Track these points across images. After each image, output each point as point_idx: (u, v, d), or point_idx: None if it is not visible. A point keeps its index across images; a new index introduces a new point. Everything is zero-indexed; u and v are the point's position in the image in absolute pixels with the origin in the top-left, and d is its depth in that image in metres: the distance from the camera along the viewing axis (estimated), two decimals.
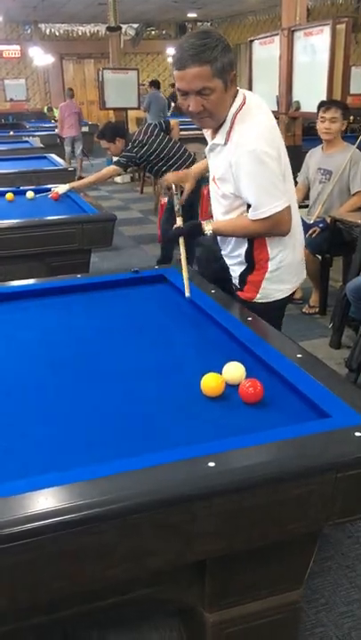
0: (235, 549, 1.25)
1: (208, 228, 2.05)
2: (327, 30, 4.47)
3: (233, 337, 1.81)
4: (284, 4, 4.90)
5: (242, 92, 1.91)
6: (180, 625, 1.72)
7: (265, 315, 1.96)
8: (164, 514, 1.12)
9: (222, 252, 2.25)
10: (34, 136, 10.17)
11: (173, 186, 2.29)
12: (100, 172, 4.83)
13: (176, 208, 2.22)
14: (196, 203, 4.74)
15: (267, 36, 5.51)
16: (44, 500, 1.09)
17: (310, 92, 4.80)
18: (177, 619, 1.78)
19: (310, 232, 3.99)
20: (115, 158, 4.80)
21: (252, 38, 5.75)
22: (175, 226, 2.14)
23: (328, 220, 4.01)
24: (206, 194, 6.04)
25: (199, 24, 17.48)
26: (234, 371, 1.55)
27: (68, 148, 10.43)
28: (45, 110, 15.21)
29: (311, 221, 4.13)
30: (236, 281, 2.20)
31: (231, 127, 1.87)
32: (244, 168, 1.84)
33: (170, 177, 2.36)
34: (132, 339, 1.91)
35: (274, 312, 2.16)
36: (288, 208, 1.92)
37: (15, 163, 6.45)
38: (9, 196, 4.28)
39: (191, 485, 1.13)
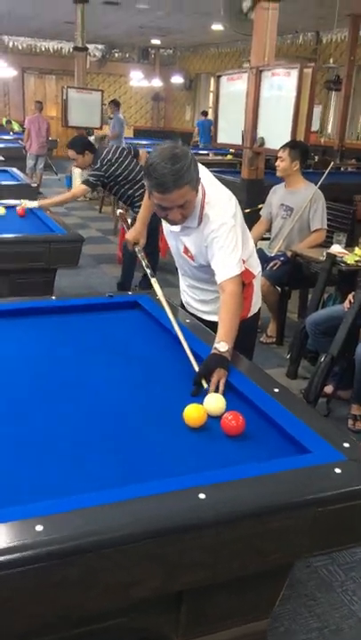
0: (218, 579, 1.28)
1: (225, 349, 1.84)
2: (294, 73, 4.67)
3: None
4: (254, 45, 5.09)
5: None
6: None
7: (253, 329, 2.42)
8: (155, 545, 1.15)
9: (203, 297, 2.41)
10: None
11: (136, 248, 2.58)
12: (70, 191, 4.84)
13: (144, 264, 2.44)
14: (155, 226, 4.85)
15: (234, 73, 5.69)
16: (32, 530, 1.09)
17: (275, 129, 4.98)
18: None
19: (272, 264, 4.12)
20: (76, 172, 4.80)
21: (219, 74, 5.93)
22: (197, 371, 1.81)
23: (289, 253, 4.15)
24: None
25: (162, 50, 17.80)
26: (215, 402, 1.60)
27: (31, 162, 10.38)
28: (4, 122, 15.05)
29: (273, 254, 4.26)
30: None
31: (201, 212, 2.09)
32: (217, 239, 2.06)
33: (129, 239, 2.64)
34: (109, 365, 1.94)
35: (256, 323, 2.56)
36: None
37: None
38: None
39: (183, 517, 1.16)
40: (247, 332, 2.39)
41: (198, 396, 1.71)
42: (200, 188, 2.06)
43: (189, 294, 2.48)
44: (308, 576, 2.17)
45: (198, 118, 16.92)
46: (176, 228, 2.18)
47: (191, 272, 2.34)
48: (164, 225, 2.31)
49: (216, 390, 1.72)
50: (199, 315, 2.41)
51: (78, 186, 4.82)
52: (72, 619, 1.25)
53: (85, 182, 4.74)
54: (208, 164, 8.23)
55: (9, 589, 1.06)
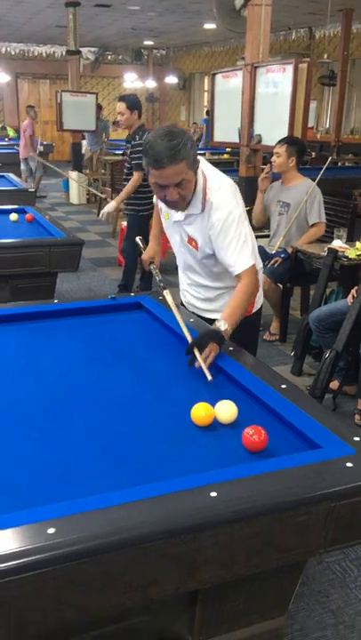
0: (234, 577, 1.27)
1: (224, 327, 1.93)
2: (289, 69, 4.66)
3: (216, 366, 1.86)
4: (248, 42, 5.08)
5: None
6: None
7: (255, 327, 2.44)
8: (168, 544, 1.14)
9: (207, 295, 2.37)
10: None
11: (152, 266, 2.57)
12: (131, 181, 4.76)
13: (158, 279, 2.42)
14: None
15: (229, 70, 5.68)
16: (44, 533, 1.08)
17: (271, 126, 4.97)
18: None
19: (273, 261, 4.11)
20: (73, 175, 4.74)
21: (214, 72, 5.91)
22: (190, 341, 1.91)
23: (289, 250, 4.14)
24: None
25: (155, 51, 17.81)
26: (228, 412, 1.56)
27: (22, 166, 10.38)
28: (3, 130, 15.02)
29: (273, 252, 4.25)
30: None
31: (204, 198, 2.09)
32: (226, 229, 2.07)
33: (145, 258, 2.62)
34: (114, 367, 1.93)
35: (259, 320, 2.53)
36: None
37: None
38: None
39: (195, 516, 1.15)
40: (250, 329, 2.38)
41: (193, 367, 1.83)
42: (201, 174, 2.08)
43: (192, 293, 2.45)
44: (321, 572, 2.16)
45: (195, 117, 16.97)
46: (180, 217, 2.17)
47: (195, 264, 2.30)
48: (165, 220, 2.31)
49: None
50: (202, 314, 2.40)
51: (135, 175, 4.72)
52: (88, 620, 1.25)
53: (138, 167, 4.64)
54: None
55: (23, 593, 1.06)
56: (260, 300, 2.44)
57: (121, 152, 8.25)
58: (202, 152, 11.43)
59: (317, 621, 1.95)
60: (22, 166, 10.46)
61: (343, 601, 2.04)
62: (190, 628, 1.43)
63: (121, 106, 4.70)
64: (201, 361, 1.80)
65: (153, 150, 1.88)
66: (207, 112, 14.94)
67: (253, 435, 1.42)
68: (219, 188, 2.10)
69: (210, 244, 2.13)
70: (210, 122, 6.16)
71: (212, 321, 2.28)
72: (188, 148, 1.92)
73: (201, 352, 1.83)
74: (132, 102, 4.70)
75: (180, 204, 2.06)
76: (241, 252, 2.07)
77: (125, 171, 4.92)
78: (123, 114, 4.71)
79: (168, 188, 1.97)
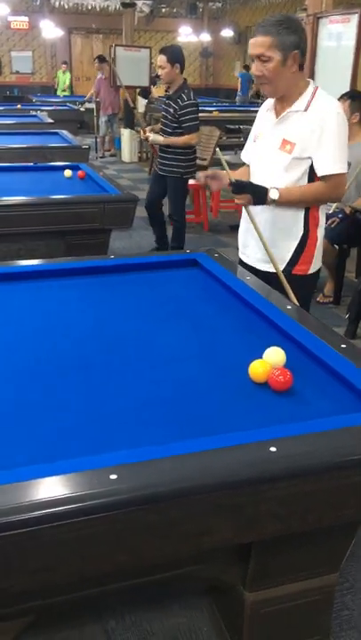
0: (290, 532, 1.28)
1: (275, 195, 2.11)
2: (354, 18, 4.44)
3: (274, 324, 1.84)
4: None
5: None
6: (214, 603, 1.76)
7: (309, 287, 2.38)
8: (226, 496, 1.15)
9: (272, 235, 2.27)
10: (42, 110, 10.05)
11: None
12: (183, 138, 4.62)
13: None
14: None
15: None
16: (107, 478, 1.11)
17: (333, 81, 4.77)
18: (207, 598, 1.82)
19: (330, 222, 4.01)
20: (125, 133, 4.65)
21: None
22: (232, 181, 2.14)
23: (347, 210, 4.02)
24: None
25: (210, 4, 17.26)
26: (275, 356, 1.57)
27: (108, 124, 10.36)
28: (63, 75, 14.77)
29: (330, 211, 4.14)
30: (288, 256, 2.27)
31: (313, 97, 2.14)
32: (331, 126, 2.09)
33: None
34: (171, 322, 1.93)
35: (315, 282, 2.46)
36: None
37: (26, 138, 6.37)
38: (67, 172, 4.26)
39: (254, 469, 1.16)
40: (305, 290, 2.32)
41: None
42: (311, 83, 2.16)
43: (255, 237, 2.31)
44: None
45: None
46: (281, 114, 2.17)
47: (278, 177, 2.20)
48: (255, 144, 2.32)
49: None
50: (262, 267, 2.34)
51: (190, 136, 4.58)
52: (145, 565, 1.28)
53: (193, 129, 4.54)
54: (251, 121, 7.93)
55: (84, 535, 1.09)
56: (319, 260, 2.38)
57: None
58: (252, 109, 11.09)
59: None
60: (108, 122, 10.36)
61: None
62: (242, 578, 1.46)
63: (161, 59, 4.39)
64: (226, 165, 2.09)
65: None
66: (245, 66, 14.55)
67: (279, 375, 1.48)
68: (329, 97, 2.16)
69: (311, 141, 2.10)
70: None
71: (271, 274, 2.25)
72: (282, 29, 1.97)
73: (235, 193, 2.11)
74: (173, 54, 4.38)
75: (266, 87, 2.11)
76: (336, 156, 2.09)
77: (169, 130, 4.68)
78: (163, 67, 4.40)
79: (254, 59, 2.06)
